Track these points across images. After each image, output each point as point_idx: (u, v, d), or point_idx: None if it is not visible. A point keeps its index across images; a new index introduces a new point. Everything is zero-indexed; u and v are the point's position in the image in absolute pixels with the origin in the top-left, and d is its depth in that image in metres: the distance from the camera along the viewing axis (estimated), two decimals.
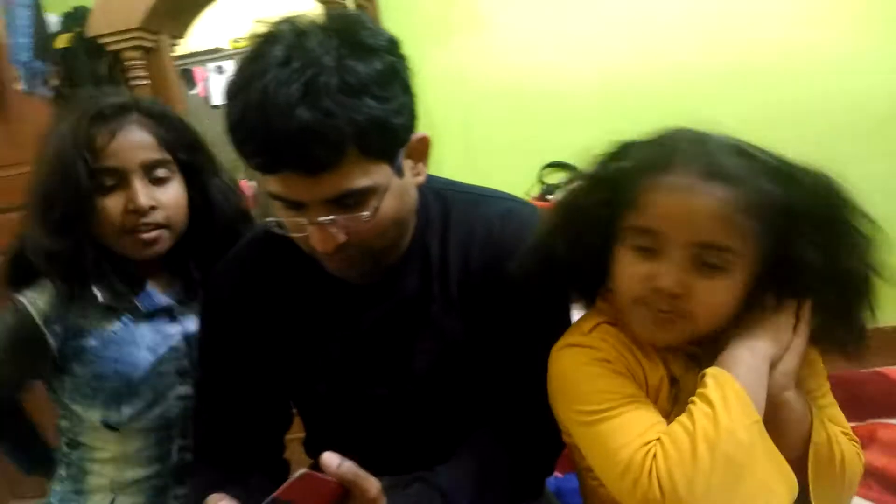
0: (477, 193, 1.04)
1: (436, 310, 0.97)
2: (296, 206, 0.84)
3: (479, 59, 2.41)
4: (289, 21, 0.82)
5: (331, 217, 0.83)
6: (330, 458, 0.75)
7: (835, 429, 0.85)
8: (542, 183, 2.38)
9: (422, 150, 0.93)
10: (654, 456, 0.74)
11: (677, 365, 0.86)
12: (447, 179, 1.06)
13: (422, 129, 0.92)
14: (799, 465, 0.79)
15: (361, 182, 0.82)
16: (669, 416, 0.81)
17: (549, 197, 2.26)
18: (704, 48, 2.31)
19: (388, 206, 0.86)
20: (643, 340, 0.85)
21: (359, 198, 0.83)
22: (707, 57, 2.29)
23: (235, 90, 0.81)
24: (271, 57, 0.78)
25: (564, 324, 0.99)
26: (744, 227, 0.77)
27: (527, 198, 2.32)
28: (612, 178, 0.85)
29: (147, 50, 2.34)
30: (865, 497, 1.21)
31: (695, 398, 0.77)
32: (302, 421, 1.14)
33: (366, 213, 0.84)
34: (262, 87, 0.76)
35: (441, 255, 0.98)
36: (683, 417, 0.76)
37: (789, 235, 0.79)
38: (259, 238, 1.06)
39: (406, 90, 0.85)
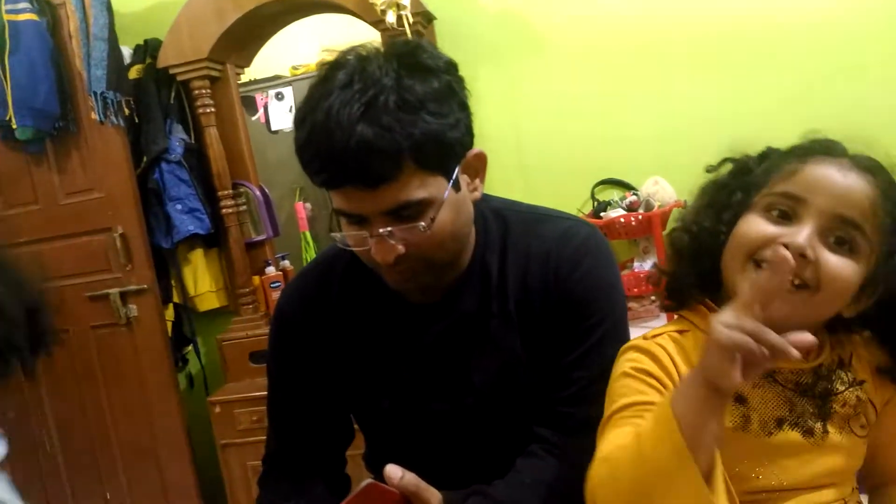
0: (536, 213, 1.07)
1: (495, 326, 1.01)
2: (358, 220, 0.89)
3: (532, 80, 2.45)
4: (353, 49, 0.89)
5: (389, 228, 0.88)
6: (393, 470, 0.79)
7: None
8: (595, 200, 2.39)
9: (478, 167, 0.97)
10: (595, 473, 0.80)
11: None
12: (506, 199, 1.10)
13: (478, 144, 0.96)
14: None
15: (418, 194, 0.87)
16: (735, 432, 0.82)
17: (602, 214, 2.27)
18: (780, 71, 2.30)
19: (444, 218, 0.90)
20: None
21: (416, 209, 0.88)
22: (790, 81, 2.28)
23: (303, 114, 0.87)
24: (336, 81, 0.84)
25: (622, 340, 1.02)
26: (879, 218, 0.81)
27: (580, 215, 2.35)
28: (753, 167, 0.91)
29: (213, 79, 2.46)
30: None
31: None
32: (363, 435, 1.18)
33: (422, 224, 0.88)
34: (327, 107, 0.83)
35: (500, 273, 1.01)
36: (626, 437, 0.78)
37: None
38: (328, 257, 1.11)
39: (463, 108, 0.90)
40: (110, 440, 2.61)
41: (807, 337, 0.67)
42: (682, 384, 0.75)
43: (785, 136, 0.92)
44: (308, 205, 2.89)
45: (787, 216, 0.82)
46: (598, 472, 0.80)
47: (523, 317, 1.00)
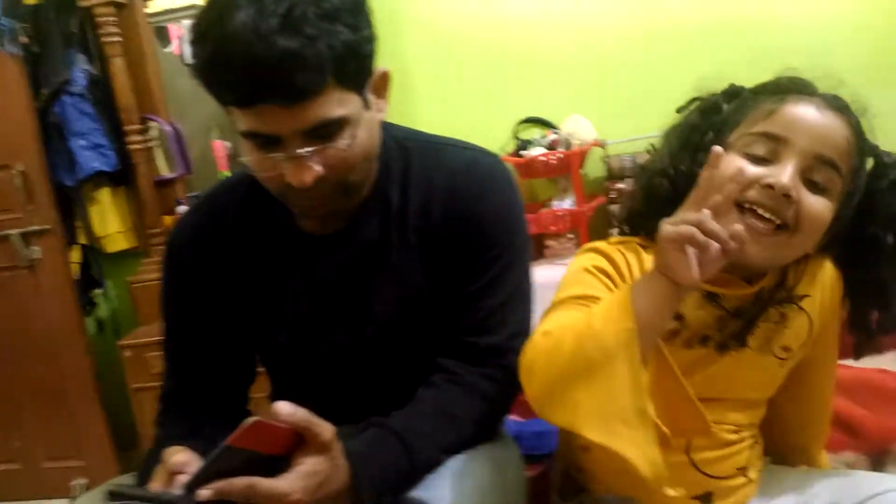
0: (439, 142, 1.04)
1: (395, 256, 0.99)
2: (272, 141, 0.84)
3: (455, 12, 2.39)
4: None
5: (309, 149, 0.84)
6: (283, 406, 0.76)
7: None
8: (517, 139, 2.38)
9: (383, 86, 0.94)
10: (534, 344, 0.81)
11: (691, 301, 0.87)
12: (408, 128, 1.07)
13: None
14: None
15: (338, 111, 0.83)
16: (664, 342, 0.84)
17: (523, 152, 2.26)
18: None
19: (361, 137, 0.88)
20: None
21: (335, 128, 0.84)
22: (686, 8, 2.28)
23: (205, 27, 0.81)
24: None
25: (526, 272, 1.02)
26: (851, 158, 0.84)
27: (502, 153, 2.33)
28: (721, 106, 0.91)
29: (119, 6, 2.31)
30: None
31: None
32: (267, 373, 1.15)
33: (345, 142, 0.85)
34: (240, 19, 0.77)
35: (401, 202, 0.99)
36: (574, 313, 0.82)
37: (873, 197, 0.87)
38: (224, 188, 1.06)
39: (370, 22, 0.86)
40: (16, 388, 2.51)
41: (737, 230, 0.72)
42: (643, 277, 0.79)
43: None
44: (228, 143, 2.78)
45: (767, 156, 0.83)
46: (540, 343, 0.81)
47: (425, 246, 0.98)
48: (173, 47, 2.98)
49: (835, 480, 0.95)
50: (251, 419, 0.71)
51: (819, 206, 0.82)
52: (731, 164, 0.82)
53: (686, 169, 0.88)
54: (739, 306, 0.89)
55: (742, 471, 0.94)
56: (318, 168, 0.85)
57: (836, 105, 0.85)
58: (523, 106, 2.40)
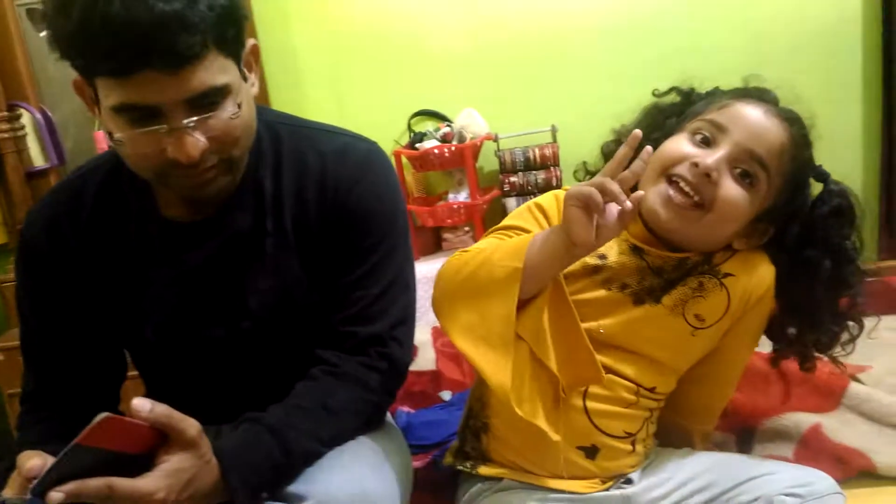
0: (311, 128, 1.01)
1: (270, 245, 0.96)
2: (151, 113, 0.79)
3: (346, 3, 2.36)
4: None
5: (196, 118, 0.80)
6: (140, 403, 0.73)
7: None
8: (411, 131, 2.37)
9: (254, 59, 0.91)
10: (451, 258, 0.95)
11: (617, 247, 0.96)
12: (279, 112, 1.04)
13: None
14: None
15: (221, 78, 0.80)
16: (581, 278, 0.96)
17: (418, 145, 2.26)
18: None
19: (244, 108, 0.85)
20: (647, 214, 0.94)
21: (218, 97, 0.81)
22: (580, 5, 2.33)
23: None
24: None
25: (406, 259, 1.01)
26: (784, 164, 0.92)
27: (396, 146, 2.32)
28: (695, 101, 1.01)
29: None
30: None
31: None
32: (139, 373, 1.10)
33: (230, 110, 0.82)
34: None
35: (274, 190, 0.96)
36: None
37: (814, 221, 0.96)
38: (77, 176, 1.00)
39: None
40: None
41: (637, 194, 0.80)
42: (550, 227, 0.89)
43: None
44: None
45: (707, 141, 0.92)
46: (454, 258, 0.95)
47: (301, 235, 0.96)
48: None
49: (713, 462, 1.00)
50: (101, 415, 0.67)
51: (735, 194, 0.90)
52: (675, 142, 0.94)
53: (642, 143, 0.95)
54: (661, 266, 0.95)
55: (630, 436, 0.98)
56: (203, 140, 0.82)
57: (784, 114, 0.94)
58: (417, 99, 2.39)
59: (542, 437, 0.89)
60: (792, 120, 0.94)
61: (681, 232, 0.93)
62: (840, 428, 1.26)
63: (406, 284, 1.00)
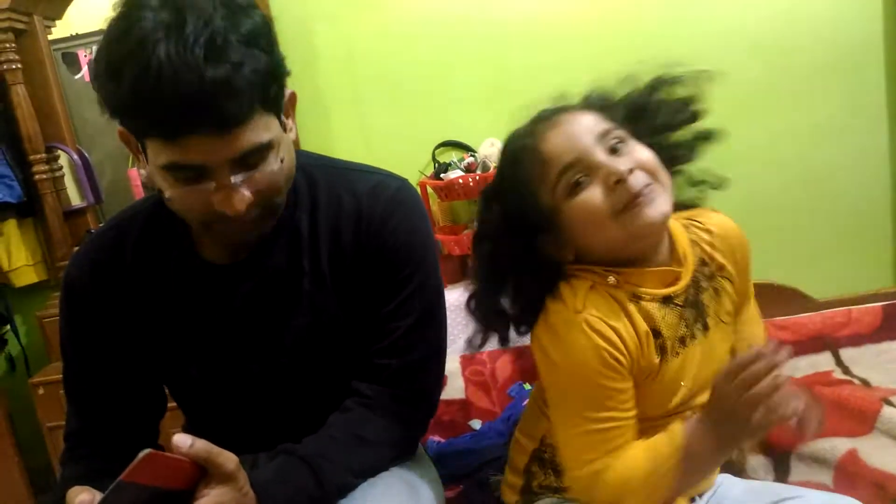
0: (344, 167, 1.04)
1: (307, 284, 0.98)
2: (199, 173, 0.82)
3: (370, 39, 2.41)
4: None
5: (241, 176, 0.83)
6: (181, 439, 0.75)
7: None
8: (436, 162, 2.41)
9: (291, 107, 0.94)
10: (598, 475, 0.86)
11: (657, 315, 0.90)
12: (310, 153, 1.07)
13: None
14: None
15: (265, 136, 0.83)
16: (659, 366, 0.89)
17: (442, 175, 2.29)
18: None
19: (286, 159, 0.88)
20: (645, 231, 0.88)
21: (262, 154, 0.84)
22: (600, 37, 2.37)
23: (119, 62, 0.77)
24: (151, 20, 0.76)
25: (437, 292, 1.03)
26: (611, 117, 0.91)
27: (421, 177, 2.36)
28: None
29: (19, 32, 2.23)
30: None
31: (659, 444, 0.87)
32: (179, 406, 1.13)
33: (274, 166, 0.85)
34: (163, 53, 0.74)
35: (311, 229, 0.99)
36: (645, 459, 0.86)
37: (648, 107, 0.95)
38: (121, 220, 1.04)
39: (277, 45, 0.86)
40: None
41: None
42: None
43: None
44: (143, 171, 2.71)
45: (579, 183, 0.87)
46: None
47: (336, 273, 0.99)
48: (84, 73, 2.90)
49: (745, 487, 1.01)
50: (144, 452, 0.69)
51: (638, 150, 0.89)
52: (582, 205, 0.87)
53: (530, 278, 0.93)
54: (686, 297, 0.93)
55: None
56: (248, 194, 0.84)
57: (584, 106, 0.93)
58: (440, 130, 2.44)
59: None
60: (592, 104, 0.94)
61: (668, 212, 0.89)
62: (875, 452, 1.24)
63: (438, 316, 1.03)
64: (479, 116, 2.38)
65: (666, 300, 0.91)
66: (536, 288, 0.93)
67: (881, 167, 2.33)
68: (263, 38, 0.81)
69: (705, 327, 0.94)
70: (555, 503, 0.99)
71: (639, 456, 0.86)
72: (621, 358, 0.87)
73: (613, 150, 0.88)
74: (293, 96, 0.94)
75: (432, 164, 2.41)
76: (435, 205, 2.41)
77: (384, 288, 0.99)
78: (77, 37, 2.91)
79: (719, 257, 0.97)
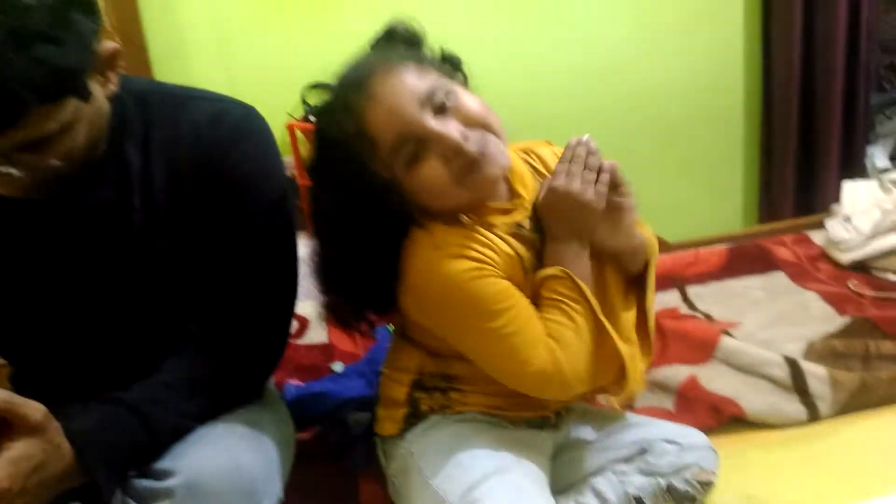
0: (182, 95, 0.96)
1: (139, 221, 0.91)
2: None
3: None
4: None
5: (11, 170, 0.77)
6: None
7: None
8: (306, 104, 2.32)
9: (112, 62, 0.85)
10: (556, 359, 0.87)
11: (510, 239, 0.91)
12: (150, 80, 1.00)
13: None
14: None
15: (48, 127, 0.76)
16: (522, 284, 0.90)
17: (312, 118, 2.21)
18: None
19: (78, 135, 0.80)
20: (489, 186, 0.89)
21: (47, 141, 0.77)
22: None
23: None
24: None
25: (286, 232, 0.98)
26: (430, 66, 0.89)
27: (289, 119, 2.26)
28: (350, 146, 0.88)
29: None
30: None
31: (560, 299, 0.89)
32: (2, 355, 1.04)
33: (61, 148, 0.79)
34: None
35: (143, 163, 0.91)
36: (563, 319, 0.89)
37: None
38: None
39: (88, 9, 0.78)
40: None
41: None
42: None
43: None
44: None
45: (416, 156, 0.85)
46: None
47: (173, 208, 0.91)
48: None
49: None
50: None
51: (467, 99, 0.87)
52: (423, 176, 0.85)
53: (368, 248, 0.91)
54: (534, 224, 0.94)
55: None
56: (27, 179, 0.79)
57: (398, 57, 0.88)
58: (311, 70, 2.34)
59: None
60: (400, 62, 0.88)
61: (508, 166, 0.91)
62: (713, 378, 1.33)
63: (286, 255, 0.98)
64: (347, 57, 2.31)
65: (517, 227, 0.93)
66: (389, 243, 0.91)
67: (734, 122, 2.45)
68: (49, 30, 0.72)
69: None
70: (441, 419, 0.99)
71: (555, 318, 0.89)
72: (491, 265, 0.88)
73: (441, 110, 0.86)
74: (115, 53, 0.85)
75: (302, 106, 2.32)
76: (304, 149, 2.32)
77: (226, 225, 0.92)
78: None
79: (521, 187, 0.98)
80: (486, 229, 0.90)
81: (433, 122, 0.84)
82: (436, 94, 0.85)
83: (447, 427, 0.98)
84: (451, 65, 0.93)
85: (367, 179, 0.87)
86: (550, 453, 1.02)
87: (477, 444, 0.94)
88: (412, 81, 0.85)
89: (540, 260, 0.93)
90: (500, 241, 0.90)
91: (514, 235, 0.92)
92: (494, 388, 0.94)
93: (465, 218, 0.90)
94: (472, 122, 0.86)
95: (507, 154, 0.89)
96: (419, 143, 0.84)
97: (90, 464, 0.77)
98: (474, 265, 0.87)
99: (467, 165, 0.85)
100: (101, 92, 0.84)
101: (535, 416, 1.01)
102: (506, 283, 0.89)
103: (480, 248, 0.88)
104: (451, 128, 0.84)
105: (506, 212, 0.93)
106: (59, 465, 0.75)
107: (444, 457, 0.94)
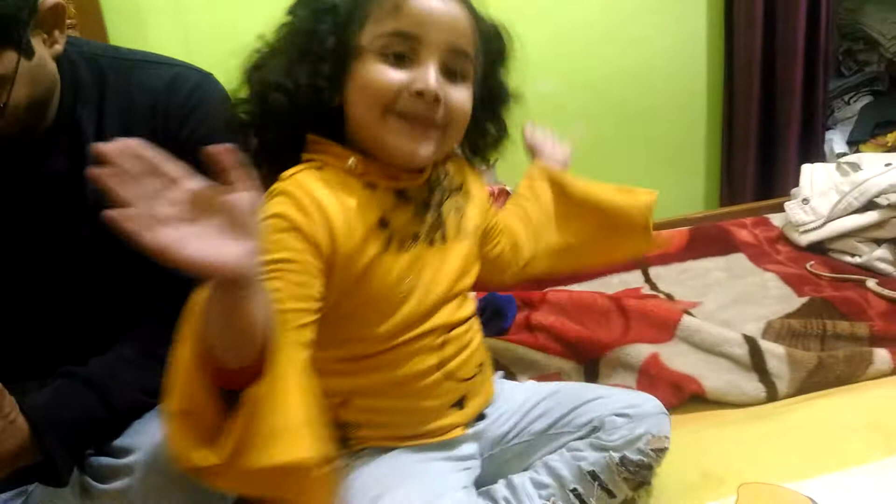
0: (136, 59, 0.94)
1: (92, 191, 0.87)
2: None
3: None
4: None
5: None
6: None
7: None
8: None
9: (55, 18, 0.82)
10: None
11: (388, 205, 0.85)
12: (105, 44, 0.96)
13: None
14: None
15: None
16: (381, 256, 0.82)
17: None
18: None
19: (19, 94, 0.77)
20: (401, 160, 0.83)
21: None
22: None
23: None
24: None
25: None
26: (476, 41, 0.85)
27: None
28: (337, 5, 0.83)
29: None
30: (533, 345, 1.36)
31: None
32: None
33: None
34: None
35: (96, 129, 0.88)
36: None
37: (492, 66, 0.91)
38: None
39: None
40: None
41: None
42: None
43: None
44: None
45: (403, 56, 0.80)
46: None
47: None
48: None
49: (552, 390, 1.04)
50: None
51: (462, 99, 0.85)
52: (374, 73, 0.80)
53: (307, 82, 0.82)
54: (423, 198, 0.89)
55: (481, 367, 0.98)
56: None
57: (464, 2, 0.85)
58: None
59: (414, 412, 0.90)
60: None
61: (435, 156, 0.86)
62: (674, 357, 1.34)
63: None
64: None
65: (400, 193, 0.87)
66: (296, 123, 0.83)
67: (696, 106, 2.47)
68: None
69: (444, 238, 0.91)
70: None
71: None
72: (306, 225, 0.77)
73: (451, 73, 0.83)
74: (56, 8, 0.81)
75: None
76: None
77: None
78: None
79: (460, 180, 0.97)
80: (366, 187, 0.83)
81: (434, 66, 0.81)
82: (464, 59, 0.83)
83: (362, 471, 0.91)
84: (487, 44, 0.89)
85: (339, 32, 0.82)
86: (475, 456, 0.98)
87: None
88: (468, 27, 0.84)
89: (428, 233, 0.88)
90: (369, 207, 0.82)
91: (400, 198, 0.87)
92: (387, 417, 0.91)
93: (352, 160, 0.83)
94: (451, 111, 0.83)
95: (429, 156, 0.84)
96: (415, 54, 0.80)
97: (46, 439, 0.75)
98: (288, 212, 0.76)
99: (407, 112, 0.80)
100: (45, 52, 0.81)
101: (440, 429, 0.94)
102: (305, 259, 0.76)
103: (328, 198, 0.79)
104: (441, 85, 0.81)
105: (401, 174, 0.86)
106: (13, 442, 0.72)
107: None
